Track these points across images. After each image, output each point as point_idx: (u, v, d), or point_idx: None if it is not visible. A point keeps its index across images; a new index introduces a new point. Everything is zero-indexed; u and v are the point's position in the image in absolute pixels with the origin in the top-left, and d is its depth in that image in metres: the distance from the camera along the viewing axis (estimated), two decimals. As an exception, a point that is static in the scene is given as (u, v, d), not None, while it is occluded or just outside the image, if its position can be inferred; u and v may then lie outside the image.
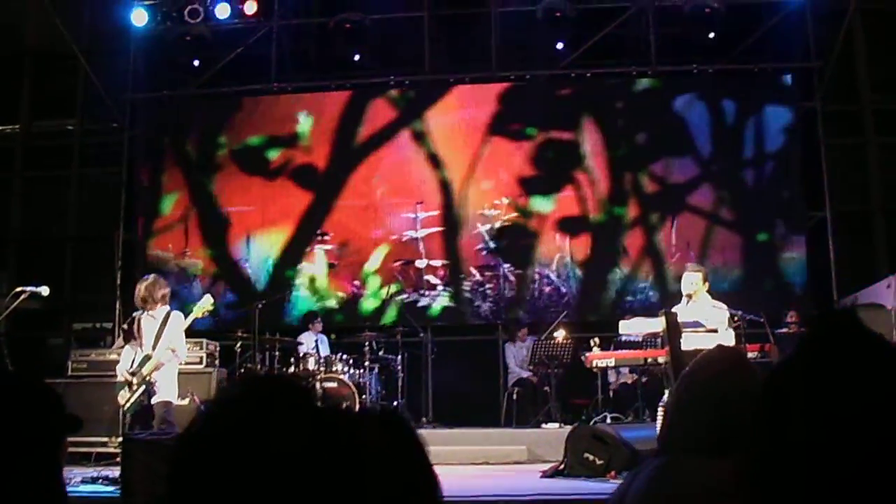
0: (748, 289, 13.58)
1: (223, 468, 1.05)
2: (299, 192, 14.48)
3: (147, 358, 8.26)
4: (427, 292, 14.06)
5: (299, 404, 1.11)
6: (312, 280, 14.23)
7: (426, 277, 14.07)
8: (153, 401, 8.23)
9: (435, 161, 14.39)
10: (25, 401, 1.91)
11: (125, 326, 8.42)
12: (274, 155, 14.66)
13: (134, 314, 8.58)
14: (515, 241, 14.05)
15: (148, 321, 8.41)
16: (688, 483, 1.97)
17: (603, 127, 14.33)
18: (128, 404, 8.30)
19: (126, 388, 8.33)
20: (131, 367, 8.32)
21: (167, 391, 8.31)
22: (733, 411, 2.06)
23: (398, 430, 2.08)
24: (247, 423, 1.08)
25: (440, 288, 14.08)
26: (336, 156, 14.54)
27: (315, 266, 14.25)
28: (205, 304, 8.69)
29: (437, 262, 14.11)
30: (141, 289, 8.44)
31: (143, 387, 8.24)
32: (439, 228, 14.16)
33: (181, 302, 11.60)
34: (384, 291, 13.96)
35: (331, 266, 14.19)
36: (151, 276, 8.77)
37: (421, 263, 14.10)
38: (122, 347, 8.63)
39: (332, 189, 14.44)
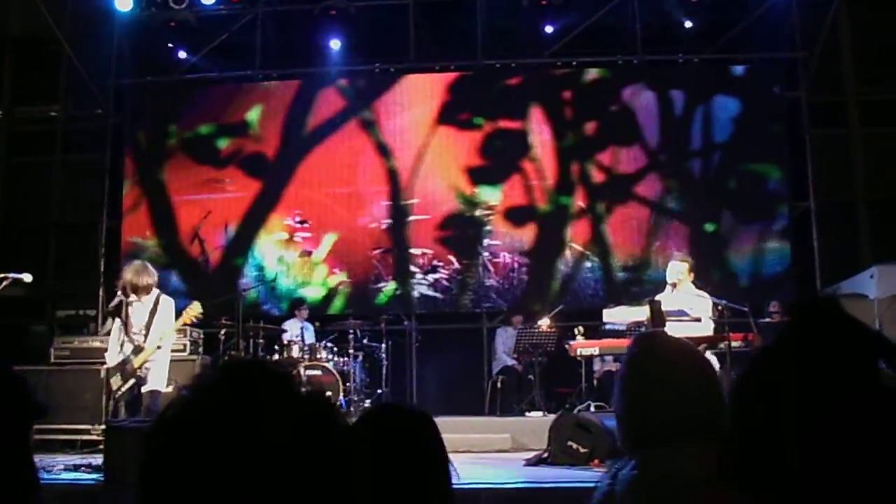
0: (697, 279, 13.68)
1: (197, 453, 1.05)
2: (248, 181, 14.50)
3: (139, 349, 8.22)
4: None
5: (278, 389, 1.11)
6: (289, 267, 14.22)
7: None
8: (143, 389, 8.23)
9: (383, 150, 14.43)
10: None
11: (110, 308, 8.30)
12: (223, 144, 14.68)
13: (119, 295, 8.49)
14: (463, 231, 14.08)
15: (137, 307, 8.35)
16: (670, 474, 1.97)
17: (551, 117, 14.37)
18: (119, 393, 8.28)
19: (118, 375, 8.29)
20: (121, 355, 8.28)
21: (157, 380, 8.30)
22: (689, 400, 2.06)
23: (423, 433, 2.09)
24: (223, 408, 1.07)
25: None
26: (285, 144, 14.61)
27: (290, 253, 14.24)
28: (193, 311, 8.65)
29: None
30: (126, 276, 8.37)
31: (134, 378, 8.22)
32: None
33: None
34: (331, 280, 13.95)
35: (304, 254, 14.17)
36: (138, 263, 8.71)
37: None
38: (108, 332, 8.51)
39: (282, 177, 14.48)
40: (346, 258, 14.22)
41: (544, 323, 12.06)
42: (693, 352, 2.24)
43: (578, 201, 14.12)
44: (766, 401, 1.09)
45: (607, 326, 9.55)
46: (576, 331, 10.07)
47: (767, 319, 11.49)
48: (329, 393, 10.62)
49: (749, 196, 14.03)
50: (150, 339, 8.26)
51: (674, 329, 8.06)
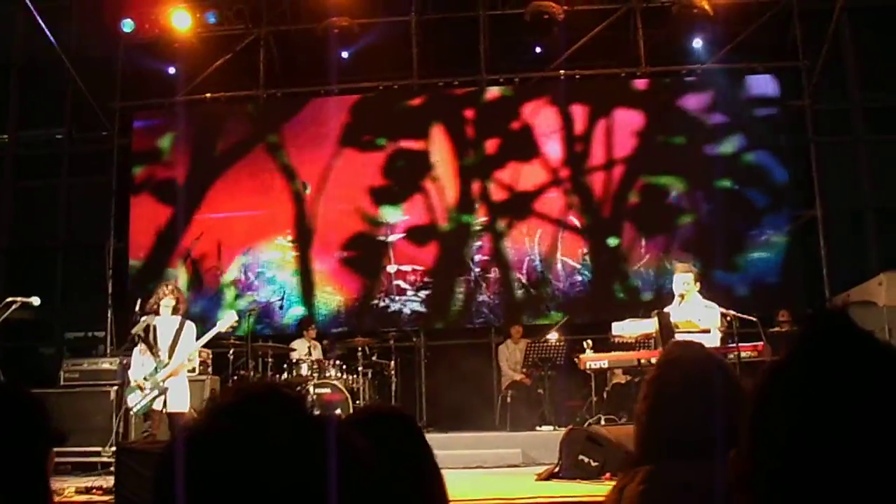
0: (596, 292, 13.88)
1: (209, 478, 1.05)
2: (159, 207, 14.57)
3: (163, 365, 8.37)
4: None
5: (290, 412, 1.11)
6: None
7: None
8: (168, 409, 8.31)
9: (288, 172, 14.51)
10: (10, 414, 1.90)
11: (141, 333, 8.40)
12: (137, 171, 14.85)
13: (144, 318, 8.58)
14: (367, 251, 14.12)
15: (164, 328, 8.53)
16: (684, 490, 1.94)
17: (452, 135, 14.42)
18: (137, 406, 8.38)
19: (136, 392, 8.39)
20: (146, 373, 8.39)
21: (182, 400, 8.48)
22: (711, 413, 2.02)
23: (402, 435, 2.08)
24: (235, 432, 1.07)
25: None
26: (195, 169, 14.71)
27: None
28: (230, 320, 8.84)
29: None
30: (157, 293, 8.64)
31: (156, 391, 8.31)
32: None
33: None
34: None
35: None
36: (169, 283, 8.92)
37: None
38: (130, 352, 8.65)
39: (191, 202, 14.53)
40: (254, 280, 14.26)
41: (553, 337, 12.04)
42: (722, 365, 2.22)
43: (479, 219, 14.18)
44: (780, 416, 1.09)
45: (616, 339, 9.53)
46: (584, 344, 10.04)
47: (776, 329, 11.46)
48: (339, 411, 10.60)
49: (651, 209, 14.05)
50: (176, 357, 8.45)
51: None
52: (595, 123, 14.30)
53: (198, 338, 8.68)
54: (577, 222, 14.08)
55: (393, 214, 14.24)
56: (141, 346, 8.52)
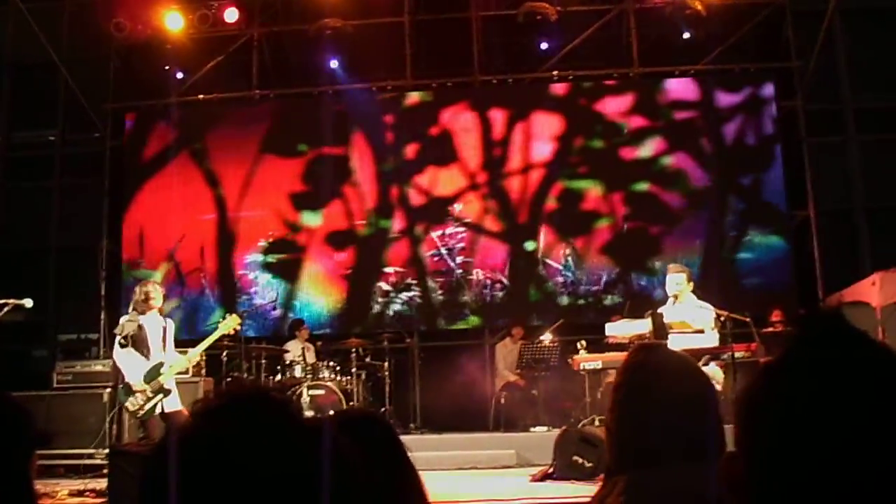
0: (512, 296, 13.98)
1: (195, 481, 1.04)
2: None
3: (160, 365, 8.30)
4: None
5: (278, 416, 1.10)
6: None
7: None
8: (167, 409, 8.28)
9: (211, 180, 14.58)
10: None
11: (132, 333, 8.34)
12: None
13: (128, 317, 8.54)
14: (286, 256, 14.22)
15: (151, 325, 8.47)
16: (662, 496, 1.92)
17: (372, 141, 14.53)
18: (142, 412, 8.26)
19: (136, 396, 8.26)
20: (143, 374, 8.28)
21: (175, 400, 8.46)
22: (680, 416, 1.99)
23: (379, 435, 2.08)
24: (222, 435, 1.06)
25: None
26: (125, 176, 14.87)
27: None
28: (231, 323, 8.80)
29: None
30: (140, 291, 8.58)
31: (161, 394, 8.25)
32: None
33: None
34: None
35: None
36: (151, 280, 8.89)
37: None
38: (117, 352, 8.52)
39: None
40: (178, 286, 14.28)
41: (546, 338, 12.04)
42: (690, 366, 2.17)
43: (397, 224, 14.27)
44: (774, 418, 1.08)
45: (610, 340, 9.53)
46: (578, 345, 10.03)
47: (770, 329, 11.47)
48: (332, 413, 10.58)
49: (568, 213, 14.12)
50: (170, 356, 8.43)
51: (676, 341, 8.06)
52: (513, 128, 14.39)
53: (187, 337, 8.65)
54: (494, 227, 14.16)
55: (312, 219, 14.32)
56: (129, 347, 8.38)
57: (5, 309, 8.44)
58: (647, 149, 14.19)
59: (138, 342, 8.37)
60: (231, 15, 14.38)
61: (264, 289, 14.23)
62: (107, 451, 9.38)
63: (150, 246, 14.41)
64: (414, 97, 14.67)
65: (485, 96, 14.53)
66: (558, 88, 14.57)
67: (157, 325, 8.50)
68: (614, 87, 14.49)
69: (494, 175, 14.28)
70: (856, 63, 15.20)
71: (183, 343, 9.38)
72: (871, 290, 12.04)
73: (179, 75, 14.75)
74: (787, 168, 14.04)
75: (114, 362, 8.86)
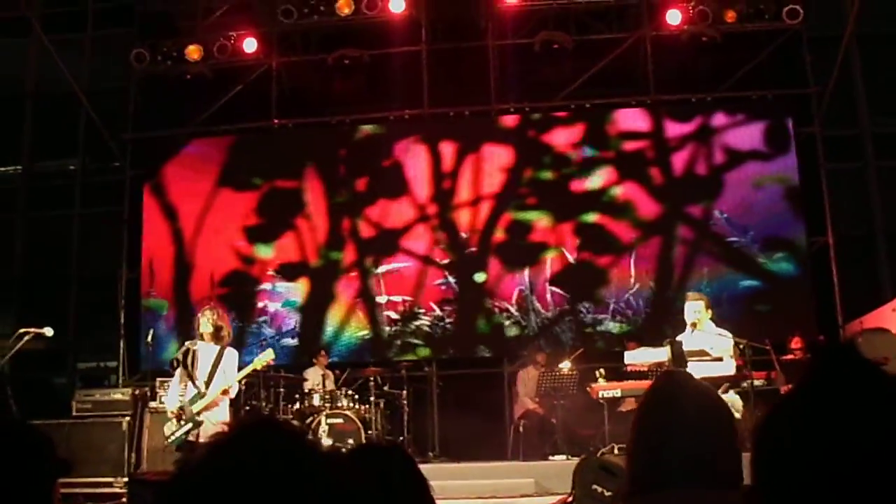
0: (461, 329, 13.96)
1: None
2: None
3: (200, 395, 8.17)
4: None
5: (291, 450, 1.11)
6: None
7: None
8: (202, 439, 8.00)
9: (169, 213, 14.68)
10: (15, 445, 1.91)
11: (179, 357, 8.29)
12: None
13: (187, 343, 8.48)
14: (240, 288, 14.29)
15: (204, 353, 8.33)
16: None
17: (324, 174, 14.62)
18: (172, 437, 8.14)
19: (172, 422, 8.18)
20: (182, 402, 8.18)
21: (218, 423, 8.11)
22: (695, 441, 2.01)
23: (401, 467, 2.09)
24: (236, 468, 1.07)
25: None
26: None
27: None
28: (265, 357, 8.71)
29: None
30: (198, 318, 8.48)
31: (191, 423, 8.11)
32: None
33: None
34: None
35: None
36: (210, 307, 8.72)
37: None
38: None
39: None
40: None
41: (565, 366, 12.01)
42: (711, 395, 2.20)
43: (348, 257, 14.34)
44: (788, 449, 1.09)
45: (629, 368, 9.49)
46: (597, 373, 9.99)
47: (789, 356, 11.41)
48: (351, 441, 10.57)
49: (516, 244, 14.11)
50: (213, 387, 8.21)
51: (696, 369, 8.01)
52: (463, 160, 14.43)
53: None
54: (443, 259, 14.20)
55: (265, 251, 14.43)
56: (180, 372, 8.31)
57: (26, 338, 8.50)
58: (597, 179, 14.20)
59: (185, 368, 8.26)
60: (250, 45, 14.51)
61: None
62: (126, 479, 9.40)
63: (160, 276, 14.49)
64: (366, 130, 14.82)
65: (435, 129, 14.62)
66: (508, 120, 14.67)
67: (210, 353, 8.32)
68: (564, 119, 14.55)
69: (444, 207, 14.35)
70: (873, 88, 15.18)
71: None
72: (892, 317, 11.96)
73: (194, 106, 14.88)
74: (806, 194, 13.97)
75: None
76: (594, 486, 8.31)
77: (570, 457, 10.94)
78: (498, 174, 14.31)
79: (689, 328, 8.90)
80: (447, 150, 14.47)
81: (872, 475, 1.02)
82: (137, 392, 11.50)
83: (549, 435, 12.14)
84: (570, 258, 14.04)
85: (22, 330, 8.55)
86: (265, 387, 11.36)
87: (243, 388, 11.27)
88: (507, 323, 14.00)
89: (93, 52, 15.88)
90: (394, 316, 14.10)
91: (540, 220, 14.16)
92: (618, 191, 14.14)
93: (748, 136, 14.16)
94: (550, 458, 11.48)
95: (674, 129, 14.31)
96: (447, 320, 14.06)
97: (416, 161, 14.48)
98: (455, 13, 14.89)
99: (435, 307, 14.08)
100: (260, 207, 14.56)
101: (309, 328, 14.17)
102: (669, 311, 13.41)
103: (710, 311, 8.95)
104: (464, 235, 14.20)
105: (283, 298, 14.31)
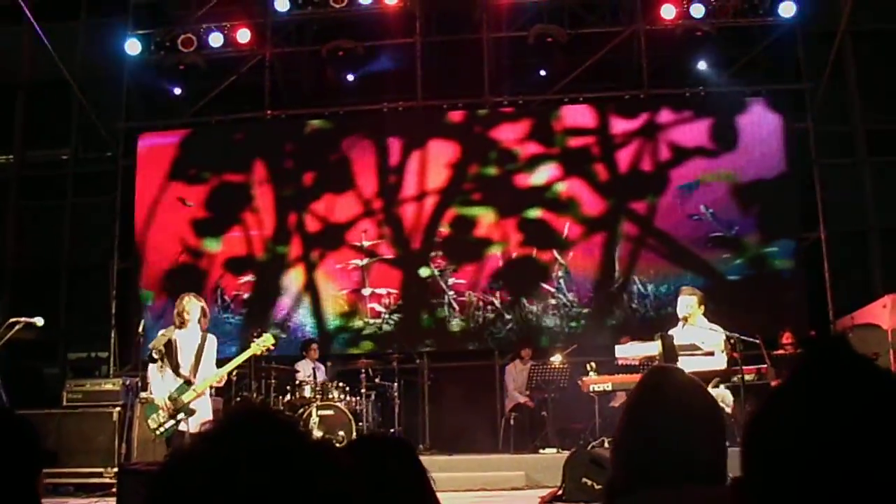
0: (405, 323, 13.98)
1: (199, 501, 1.04)
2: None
3: (187, 383, 8.06)
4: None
5: (283, 438, 1.10)
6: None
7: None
8: (192, 429, 7.90)
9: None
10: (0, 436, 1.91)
11: (161, 348, 8.17)
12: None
13: (163, 331, 8.37)
14: (190, 281, 14.11)
15: (184, 342, 8.23)
16: None
17: (272, 168, 14.67)
18: (162, 429, 8.01)
19: (159, 412, 8.03)
20: (169, 392, 8.04)
21: (206, 414, 8.14)
22: (680, 438, 1.99)
23: (401, 458, 2.08)
24: (226, 458, 1.07)
25: (385, 315, 14.22)
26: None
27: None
28: (265, 342, 8.63)
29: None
30: (177, 304, 8.37)
31: (183, 413, 8.00)
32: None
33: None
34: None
35: None
36: (189, 293, 8.57)
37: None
38: (150, 366, 8.33)
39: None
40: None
41: (556, 359, 12.03)
42: (699, 390, 2.18)
43: (294, 250, 14.40)
44: (778, 444, 1.08)
45: (619, 362, 9.51)
46: (588, 367, 10.01)
47: (780, 351, 11.43)
48: (342, 433, 10.57)
49: (460, 239, 14.17)
50: (201, 374, 8.14)
51: (686, 363, 8.03)
52: (409, 155, 14.47)
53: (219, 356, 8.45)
54: (388, 253, 14.24)
55: (213, 245, 14.46)
56: (159, 363, 8.14)
57: (17, 327, 8.48)
58: (542, 175, 14.23)
59: (168, 357, 8.13)
60: (243, 36, 14.48)
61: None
62: (116, 469, 9.38)
63: (148, 266, 14.52)
64: (314, 125, 14.85)
65: (383, 124, 14.68)
66: (455, 116, 14.69)
67: (193, 340, 8.22)
68: (510, 115, 14.57)
69: (389, 202, 14.40)
70: (867, 85, 15.20)
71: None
72: (883, 313, 12.00)
73: (188, 96, 14.87)
74: (799, 190, 13.99)
75: (143, 375, 8.63)
76: (584, 480, 8.33)
77: (560, 450, 10.96)
78: (443, 170, 14.36)
79: (680, 322, 8.92)
80: (394, 145, 14.52)
81: (865, 468, 1.02)
82: (128, 382, 11.46)
83: (540, 428, 12.16)
84: (514, 254, 14.09)
85: (12, 319, 8.53)
86: (256, 378, 11.34)
87: (234, 378, 11.27)
88: (450, 317, 14.06)
89: (86, 41, 15.80)
90: (338, 309, 14.19)
91: (484, 215, 14.22)
92: (562, 187, 14.18)
93: (694, 132, 14.17)
94: (541, 451, 11.50)
95: (619, 125, 14.33)
96: (392, 315, 14.11)
97: (362, 156, 14.52)
98: (449, 5, 14.88)
99: (377, 301, 14.14)
100: (209, 201, 14.61)
101: (253, 318, 13.99)
102: (612, 307, 13.71)
103: (702, 307, 8.96)
104: (408, 230, 14.27)
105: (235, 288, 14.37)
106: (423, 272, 14.15)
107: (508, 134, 14.40)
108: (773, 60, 14.43)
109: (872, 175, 14.97)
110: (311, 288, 14.24)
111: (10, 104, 16.44)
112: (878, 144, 15.01)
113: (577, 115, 14.43)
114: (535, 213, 14.15)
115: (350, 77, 14.71)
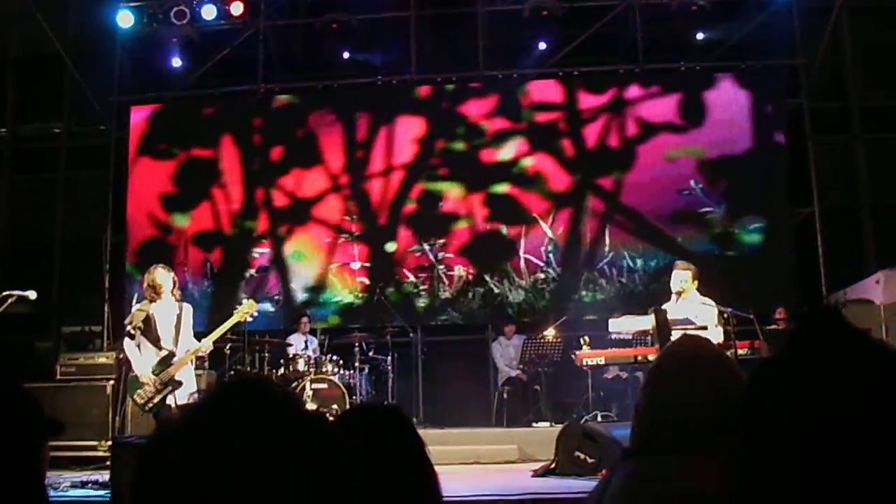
0: (371, 299, 14.01)
1: (191, 471, 1.04)
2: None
3: (170, 355, 8.04)
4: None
5: (277, 408, 1.10)
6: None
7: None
8: (180, 402, 7.91)
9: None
10: (2, 406, 1.90)
11: (140, 325, 8.11)
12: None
13: (138, 306, 8.35)
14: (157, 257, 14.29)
15: (162, 315, 8.17)
16: (665, 488, 1.93)
17: (240, 143, 14.66)
18: (150, 404, 7.99)
19: (145, 388, 7.99)
20: (152, 366, 8.04)
21: (191, 385, 8.17)
22: (706, 407, 2.00)
23: (399, 429, 2.09)
24: (221, 426, 1.06)
25: (352, 290, 14.28)
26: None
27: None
28: (247, 308, 8.59)
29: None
30: (148, 277, 8.29)
31: (170, 387, 7.98)
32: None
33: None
34: None
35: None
36: (158, 265, 8.50)
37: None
38: (126, 343, 8.29)
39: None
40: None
41: (550, 333, 12.05)
42: (730, 362, 2.19)
43: (261, 225, 14.44)
44: (772, 414, 1.09)
45: (613, 336, 9.53)
46: (581, 340, 10.04)
47: (773, 326, 11.47)
48: (335, 407, 10.60)
49: (426, 214, 14.19)
50: (182, 345, 8.11)
51: (680, 338, 8.03)
52: (377, 131, 14.48)
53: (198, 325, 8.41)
54: (354, 228, 14.26)
55: (182, 220, 14.49)
56: (138, 338, 8.11)
57: (9, 300, 8.44)
58: (508, 151, 14.23)
59: (147, 332, 8.09)
60: (237, 8, 14.39)
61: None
62: (110, 443, 9.39)
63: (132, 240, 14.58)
64: (281, 100, 14.83)
65: (350, 99, 14.65)
66: (422, 91, 14.67)
67: (169, 312, 8.17)
68: (477, 90, 14.54)
69: (356, 177, 14.41)
70: (862, 60, 15.16)
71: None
72: (876, 289, 12.04)
73: (181, 69, 14.80)
74: (792, 165, 13.98)
75: (124, 354, 8.63)
76: (577, 453, 8.37)
77: (553, 424, 11.02)
78: (410, 145, 14.36)
79: (673, 296, 8.93)
80: (361, 120, 14.51)
81: (861, 438, 1.03)
82: (122, 356, 11.45)
83: (533, 402, 12.21)
84: (480, 228, 14.10)
85: (5, 293, 8.49)
86: (250, 352, 11.36)
87: (227, 352, 11.28)
88: (416, 293, 14.09)
89: (78, 13, 15.68)
90: (305, 284, 14.24)
91: (451, 190, 14.23)
92: (529, 162, 14.19)
93: (662, 108, 14.17)
94: (534, 424, 11.56)
95: (587, 100, 14.32)
96: (357, 290, 14.18)
97: (330, 131, 14.52)
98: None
99: (345, 276, 14.20)
100: (177, 176, 14.60)
101: (221, 294, 14.06)
102: (577, 281, 13.72)
103: (696, 282, 8.98)
104: (375, 205, 14.29)
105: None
106: (389, 247, 14.17)
107: (475, 109, 14.39)
108: (769, 35, 14.35)
109: (867, 151, 14.95)
110: (279, 263, 14.26)
111: (1, 78, 16.32)
112: (873, 120, 14.98)
113: (545, 90, 14.41)
114: (501, 188, 14.16)
115: (346, 54, 14.66)
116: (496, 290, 13.89)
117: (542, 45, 14.51)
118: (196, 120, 14.84)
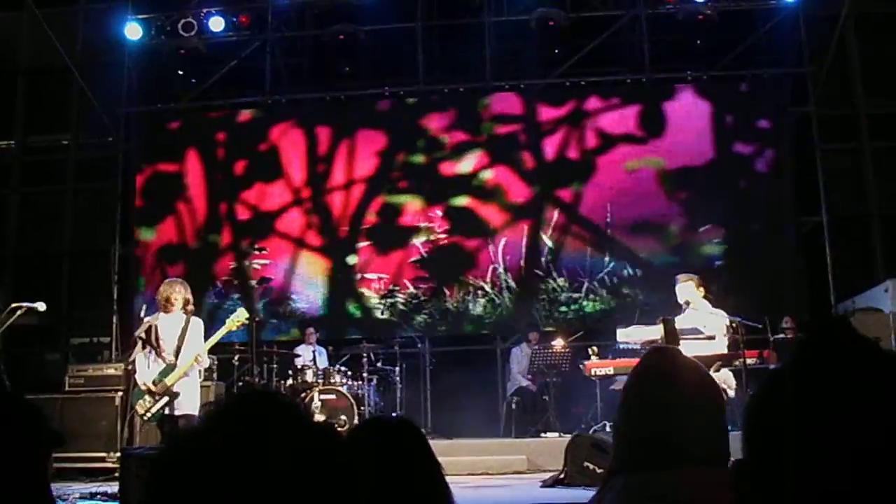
0: (332, 312, 14.10)
1: (201, 484, 1.04)
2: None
3: (171, 367, 8.06)
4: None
5: (286, 420, 1.10)
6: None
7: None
8: (177, 412, 7.97)
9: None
10: (7, 418, 1.91)
11: (142, 335, 8.16)
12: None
13: (147, 319, 8.37)
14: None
15: (167, 327, 8.22)
16: (657, 499, 1.91)
17: (204, 158, 14.74)
18: (149, 414, 8.02)
19: (146, 397, 8.04)
20: (153, 376, 8.05)
21: (191, 404, 8.12)
22: (683, 419, 1.98)
23: (412, 441, 2.09)
24: (229, 439, 1.06)
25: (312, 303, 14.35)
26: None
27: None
28: (239, 317, 8.58)
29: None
30: (162, 290, 8.36)
31: (167, 397, 8.00)
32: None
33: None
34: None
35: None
36: (175, 279, 8.63)
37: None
38: (133, 356, 8.35)
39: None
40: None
41: (558, 343, 12.04)
42: (702, 372, 2.16)
43: (224, 239, 14.49)
44: (775, 425, 1.09)
45: (621, 346, 9.51)
46: (590, 350, 10.01)
47: (782, 336, 11.44)
48: (344, 417, 10.60)
49: (386, 227, 14.22)
50: (183, 357, 8.11)
51: (688, 347, 8.03)
52: (338, 144, 14.53)
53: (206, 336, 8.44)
54: (316, 241, 14.30)
55: (147, 234, 14.55)
56: (145, 349, 8.16)
57: (18, 312, 8.47)
58: (468, 163, 14.27)
59: (152, 342, 8.13)
60: (245, 21, 14.44)
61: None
62: (118, 454, 9.40)
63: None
64: (245, 114, 14.88)
65: (313, 113, 14.73)
66: (383, 105, 14.73)
67: (175, 324, 8.20)
68: (437, 103, 14.57)
69: (317, 190, 14.45)
70: (869, 68, 15.15)
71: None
72: (885, 297, 12.01)
73: (189, 81, 14.85)
74: (800, 174, 13.96)
75: (133, 364, 8.64)
76: (586, 464, 8.34)
77: (562, 434, 10.98)
78: (371, 158, 14.40)
79: (683, 307, 8.93)
80: (323, 133, 14.57)
81: (869, 448, 1.02)
82: (130, 367, 11.47)
83: (542, 412, 12.18)
84: (440, 241, 14.11)
85: (14, 305, 8.52)
86: (258, 363, 11.36)
87: (235, 363, 11.29)
88: (376, 305, 14.11)
89: (86, 26, 15.75)
90: (267, 297, 14.24)
91: (411, 203, 14.27)
92: (488, 174, 14.22)
93: (622, 119, 14.18)
94: (542, 435, 11.52)
95: (547, 112, 14.34)
96: (316, 302, 14.24)
97: (292, 145, 14.59)
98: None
99: (306, 288, 14.25)
100: (143, 190, 14.69)
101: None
102: (536, 294, 13.75)
103: (701, 290, 8.97)
104: (336, 218, 14.33)
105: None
106: (350, 260, 14.20)
107: (436, 122, 14.43)
108: (776, 44, 14.34)
109: (875, 159, 14.93)
110: (240, 275, 14.29)
111: (10, 90, 16.40)
112: (881, 129, 14.95)
113: (504, 102, 14.46)
114: (461, 200, 14.19)
115: (349, 63, 14.69)
116: (454, 303, 13.91)
117: (554, 52, 14.50)
118: (162, 134, 14.99)
